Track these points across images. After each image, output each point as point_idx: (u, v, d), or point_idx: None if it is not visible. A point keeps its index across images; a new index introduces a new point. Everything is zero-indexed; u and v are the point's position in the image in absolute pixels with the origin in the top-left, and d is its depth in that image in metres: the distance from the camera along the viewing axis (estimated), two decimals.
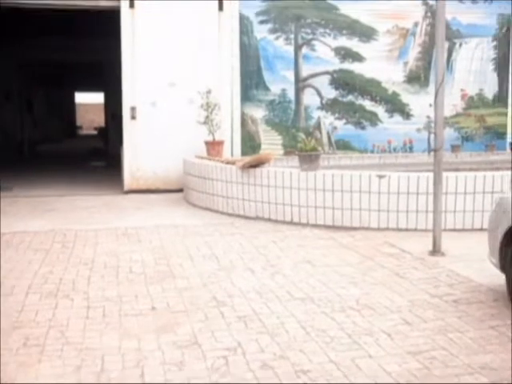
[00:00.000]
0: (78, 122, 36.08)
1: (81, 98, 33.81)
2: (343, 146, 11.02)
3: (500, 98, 11.69)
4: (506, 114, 11.71)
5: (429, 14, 11.12)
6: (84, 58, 17.33)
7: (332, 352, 3.45)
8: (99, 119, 31.27)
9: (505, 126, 11.72)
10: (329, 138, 10.96)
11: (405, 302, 4.32)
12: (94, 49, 15.42)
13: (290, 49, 10.73)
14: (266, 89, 10.65)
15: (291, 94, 10.76)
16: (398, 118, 11.24)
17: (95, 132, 29.89)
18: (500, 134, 11.71)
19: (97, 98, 29.79)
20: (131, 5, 9.71)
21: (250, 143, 10.54)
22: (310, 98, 10.85)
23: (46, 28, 13.64)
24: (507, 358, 3.34)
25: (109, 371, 3.21)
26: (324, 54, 10.83)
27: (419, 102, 11.17)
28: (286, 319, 3.98)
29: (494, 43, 11.61)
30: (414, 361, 3.33)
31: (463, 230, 6.64)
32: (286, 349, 3.50)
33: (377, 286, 4.71)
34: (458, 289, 4.62)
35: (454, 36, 11.27)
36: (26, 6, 9.75)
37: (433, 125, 6.60)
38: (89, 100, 35.12)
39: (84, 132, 35.60)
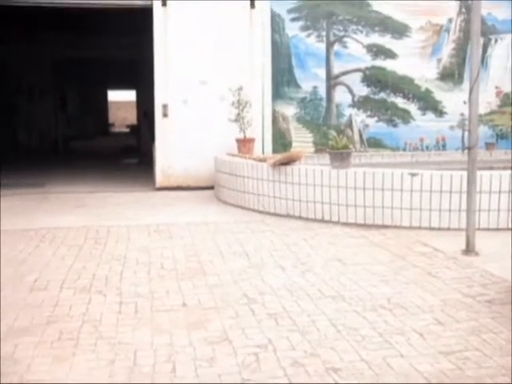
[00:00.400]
0: (111, 120, 36.45)
1: (113, 95, 34.15)
2: (375, 143, 10.94)
3: None
4: None
5: (463, 10, 10.95)
6: (116, 56, 17.52)
7: (363, 351, 3.43)
8: (131, 117, 31.56)
9: None
10: (360, 135, 10.89)
11: (437, 302, 4.27)
12: (127, 46, 15.59)
13: (322, 46, 10.67)
14: (297, 86, 10.61)
15: (322, 92, 10.71)
16: (430, 115, 11.10)
17: (127, 129, 30.20)
18: None
19: (129, 95, 30.07)
20: (163, 3, 9.78)
21: (280, 141, 10.52)
22: (341, 96, 10.78)
23: (79, 25, 13.84)
24: None
25: (141, 366, 3.25)
26: (356, 51, 10.75)
27: (453, 100, 11.01)
28: (317, 317, 3.97)
29: None
30: (447, 361, 3.29)
31: (497, 229, 6.53)
32: (316, 347, 3.49)
33: (409, 285, 4.67)
34: (492, 289, 4.55)
35: (489, 32, 11.07)
36: (61, 5, 9.89)
37: (467, 122, 6.51)
38: (121, 98, 35.47)
39: (116, 129, 35.97)
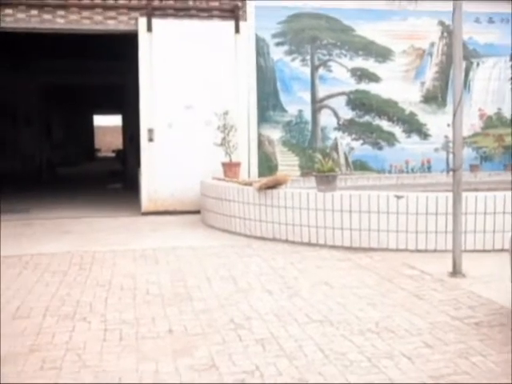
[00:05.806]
0: (97, 145, 36.42)
1: (99, 120, 34.17)
2: (360, 166, 10.98)
3: None
4: None
5: (445, 34, 11.12)
6: (102, 81, 17.56)
7: (351, 376, 3.39)
8: (117, 141, 31.54)
9: None
10: (346, 158, 10.94)
11: (425, 325, 4.24)
12: (112, 72, 15.63)
13: (307, 70, 10.76)
14: (283, 110, 10.67)
15: (308, 115, 10.77)
16: (415, 138, 11.19)
17: (113, 154, 30.15)
18: None
19: (115, 120, 30.09)
20: (149, 29, 9.84)
21: (266, 164, 10.54)
22: (326, 119, 10.85)
23: (65, 51, 13.86)
24: None
25: None
26: (340, 74, 10.85)
27: (437, 122, 11.13)
28: (304, 342, 3.92)
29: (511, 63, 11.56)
30: None
31: (483, 250, 6.55)
32: (304, 372, 3.44)
33: (396, 308, 4.64)
34: (480, 311, 4.54)
35: (471, 55, 11.24)
36: (45, 31, 9.90)
37: (451, 145, 6.56)
38: (107, 122, 35.50)
39: (102, 154, 35.93)
